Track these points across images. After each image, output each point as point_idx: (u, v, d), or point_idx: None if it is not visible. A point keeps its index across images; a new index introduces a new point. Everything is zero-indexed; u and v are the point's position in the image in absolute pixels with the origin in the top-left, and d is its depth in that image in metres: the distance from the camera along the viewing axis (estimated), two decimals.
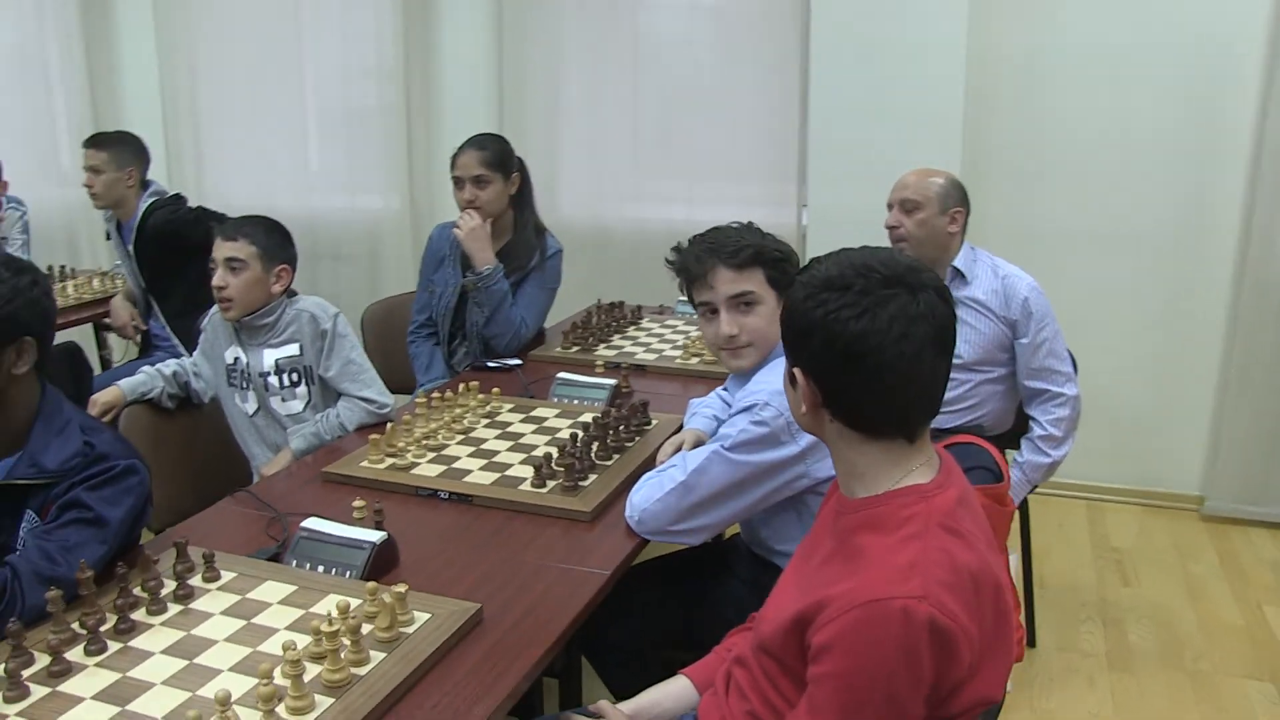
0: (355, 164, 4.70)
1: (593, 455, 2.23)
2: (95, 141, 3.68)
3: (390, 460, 2.23)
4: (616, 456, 2.27)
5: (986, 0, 3.75)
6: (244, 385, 2.54)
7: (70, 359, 2.88)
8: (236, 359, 2.54)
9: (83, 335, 4.31)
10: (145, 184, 3.72)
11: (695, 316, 2.29)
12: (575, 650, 2.05)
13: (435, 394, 2.49)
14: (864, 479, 1.33)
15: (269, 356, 2.51)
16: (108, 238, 3.87)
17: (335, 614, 1.49)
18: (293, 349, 2.51)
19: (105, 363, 4.35)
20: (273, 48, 4.71)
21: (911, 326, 1.25)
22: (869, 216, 2.91)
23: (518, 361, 3.03)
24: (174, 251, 3.57)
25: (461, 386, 2.59)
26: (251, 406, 2.55)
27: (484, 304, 3.08)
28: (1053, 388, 2.74)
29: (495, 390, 2.62)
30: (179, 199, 3.73)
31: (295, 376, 2.52)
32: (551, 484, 2.11)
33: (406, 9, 4.47)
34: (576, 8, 4.29)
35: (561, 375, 2.75)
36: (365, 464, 2.22)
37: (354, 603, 1.62)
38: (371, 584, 1.61)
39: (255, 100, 4.78)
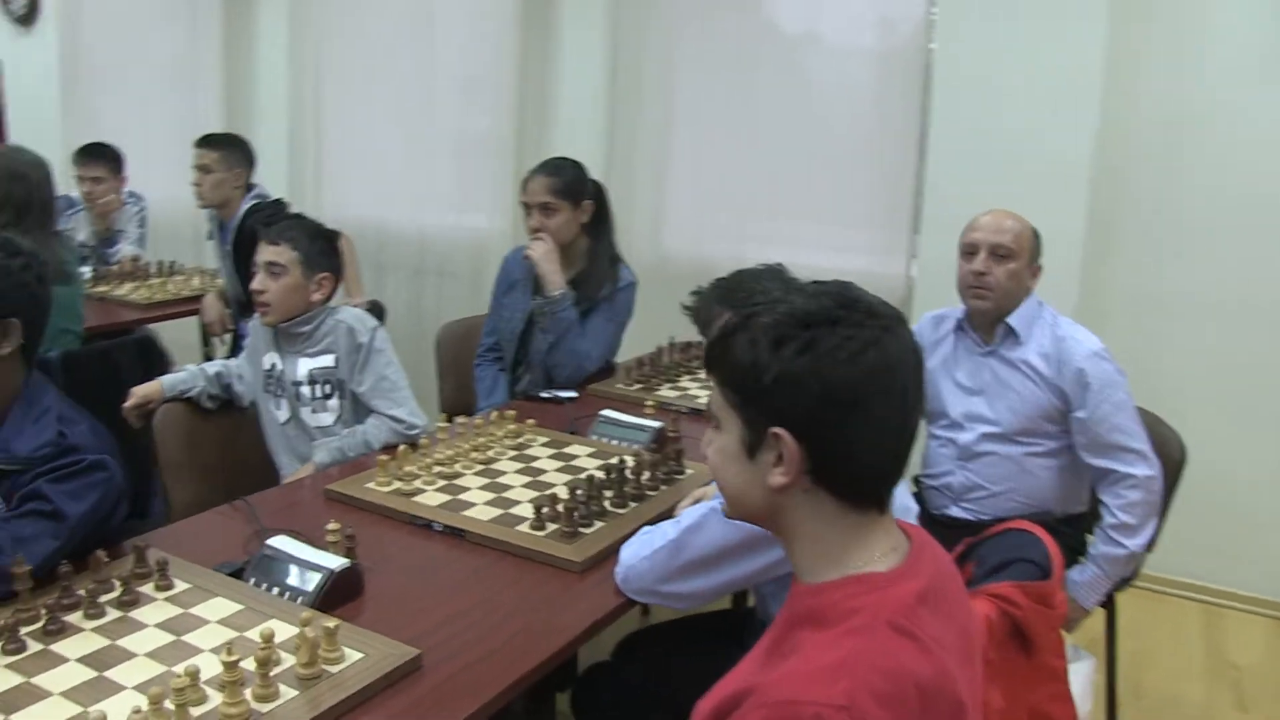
0: (466, 183, 4.70)
1: (605, 501, 2.09)
2: (207, 141, 3.76)
3: (396, 484, 2.14)
4: (634, 505, 2.11)
5: (1125, 51, 3.45)
6: (278, 393, 2.51)
7: (141, 349, 2.92)
8: (274, 365, 2.50)
9: (188, 330, 4.42)
10: (249, 187, 3.78)
11: None
12: (549, 703, 1.91)
13: (462, 420, 2.39)
14: (821, 561, 1.14)
15: (304, 365, 2.47)
16: (209, 237, 3.95)
17: (258, 640, 1.39)
18: (328, 360, 2.46)
19: (207, 359, 4.44)
20: (398, 66, 4.77)
21: (901, 364, 1.10)
22: None
23: (572, 394, 2.90)
24: None
25: (495, 414, 2.48)
26: (284, 415, 2.51)
27: (549, 330, 2.98)
28: (1120, 468, 2.38)
29: (530, 421, 2.51)
30: (280, 204, 3.78)
31: (328, 389, 2.47)
32: (552, 527, 1.98)
33: (525, 39, 4.45)
34: (694, 47, 4.19)
35: (605, 413, 2.59)
36: (371, 485, 2.14)
37: (291, 631, 1.52)
38: (306, 614, 1.50)
39: (377, 116, 4.85)
